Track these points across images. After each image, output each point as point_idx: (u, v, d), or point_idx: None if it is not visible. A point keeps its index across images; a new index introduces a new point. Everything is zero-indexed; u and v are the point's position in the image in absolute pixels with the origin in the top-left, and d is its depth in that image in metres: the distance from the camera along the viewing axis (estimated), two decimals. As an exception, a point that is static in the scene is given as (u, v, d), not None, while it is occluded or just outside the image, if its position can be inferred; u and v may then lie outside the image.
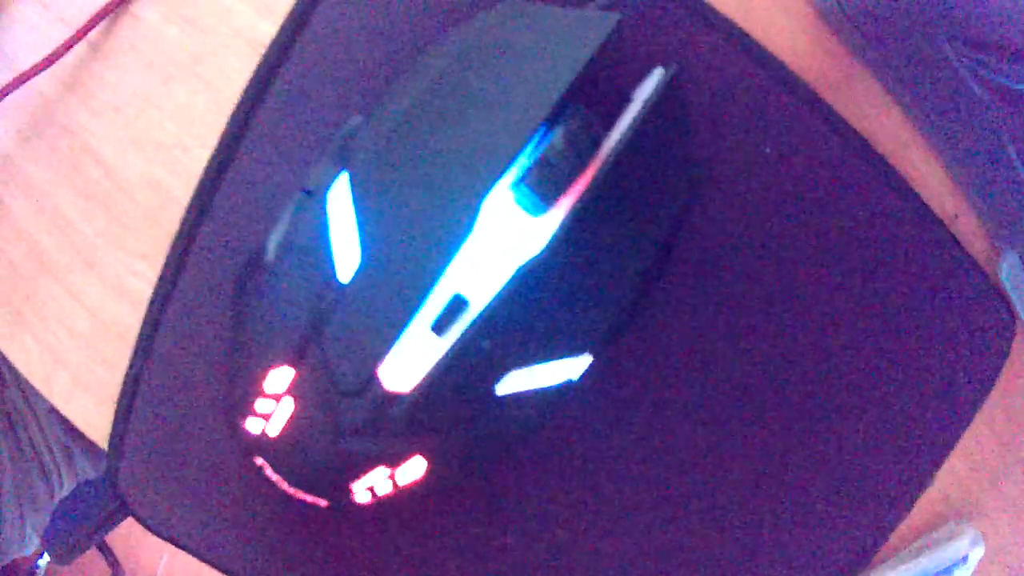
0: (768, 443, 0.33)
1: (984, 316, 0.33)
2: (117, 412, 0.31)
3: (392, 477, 0.26)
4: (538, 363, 0.25)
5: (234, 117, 0.29)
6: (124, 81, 0.31)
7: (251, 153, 0.29)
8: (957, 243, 0.32)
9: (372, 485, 0.26)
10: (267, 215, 0.28)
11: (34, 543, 0.48)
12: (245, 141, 0.29)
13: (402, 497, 0.27)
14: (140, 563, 0.68)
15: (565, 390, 0.26)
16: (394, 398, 0.24)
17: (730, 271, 0.31)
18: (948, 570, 0.34)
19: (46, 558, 0.58)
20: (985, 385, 0.33)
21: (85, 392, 0.32)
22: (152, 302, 0.30)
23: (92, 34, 0.30)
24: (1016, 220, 0.30)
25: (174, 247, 0.30)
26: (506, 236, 0.24)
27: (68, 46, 0.30)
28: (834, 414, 0.33)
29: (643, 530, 0.33)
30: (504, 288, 0.23)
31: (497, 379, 0.24)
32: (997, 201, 0.30)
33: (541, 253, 0.23)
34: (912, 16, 0.26)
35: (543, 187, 0.23)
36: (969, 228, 0.32)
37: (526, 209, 0.24)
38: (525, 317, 0.24)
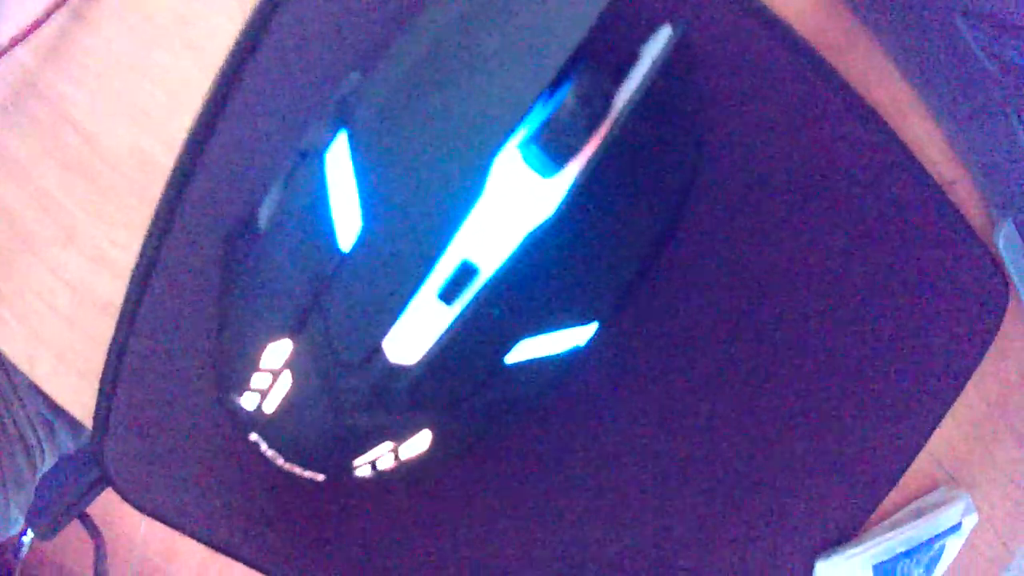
0: (765, 409, 0.32)
1: (979, 283, 0.32)
2: (101, 388, 0.29)
3: (395, 451, 0.24)
4: (549, 331, 0.23)
5: (220, 78, 0.26)
6: (106, 47, 0.28)
7: (238, 115, 0.27)
8: (954, 209, 0.31)
9: (374, 460, 0.24)
10: (256, 180, 0.26)
11: (19, 523, 0.45)
12: (232, 103, 0.26)
13: (404, 471, 0.25)
14: (120, 530, 0.65)
15: (572, 357, 0.25)
16: (399, 371, 0.22)
17: (735, 235, 0.29)
18: (941, 536, 0.33)
19: (30, 534, 0.56)
20: (978, 352, 0.32)
21: (68, 369, 0.30)
22: (135, 273, 0.28)
23: (73, 1, 0.27)
24: (1015, 190, 0.29)
25: (157, 215, 0.27)
26: (516, 198, 0.22)
27: (49, 12, 0.27)
28: (828, 378, 0.32)
29: (645, 497, 0.31)
30: (515, 254, 0.21)
31: (507, 349, 0.22)
32: (997, 170, 0.29)
33: (552, 216, 0.21)
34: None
35: (555, 147, 0.22)
36: (966, 195, 0.31)
37: (536, 170, 0.22)
38: (536, 284, 0.22)
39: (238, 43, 0.26)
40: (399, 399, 0.22)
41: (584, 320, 0.23)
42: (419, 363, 0.22)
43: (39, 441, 0.45)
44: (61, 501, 0.48)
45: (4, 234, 0.29)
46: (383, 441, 0.23)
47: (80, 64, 0.28)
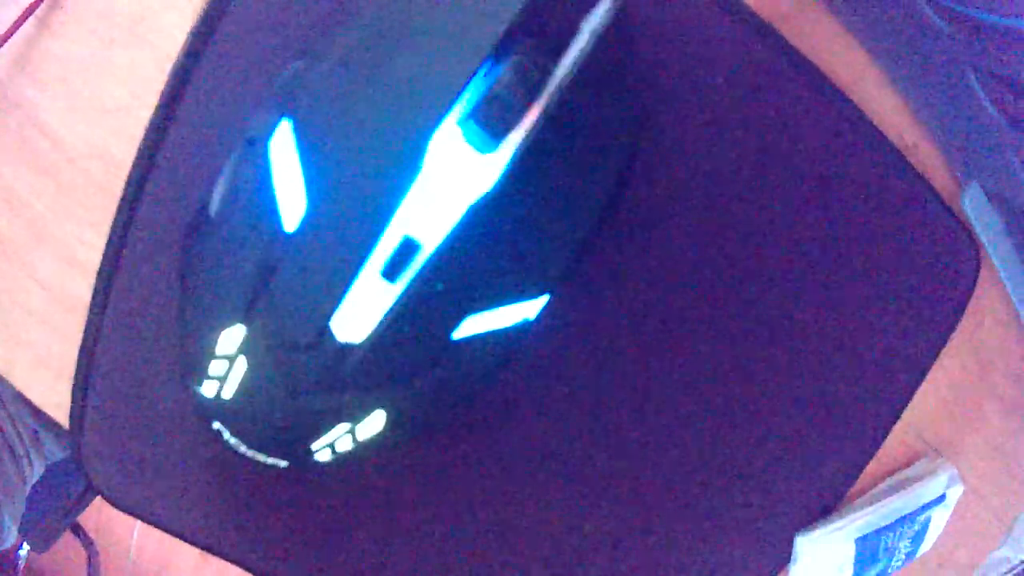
0: (737, 382, 0.31)
1: (948, 248, 0.31)
2: (74, 388, 0.29)
3: (351, 432, 0.24)
4: (496, 306, 0.23)
5: (173, 74, 0.27)
6: (69, 51, 0.29)
7: (192, 109, 0.27)
8: (917, 173, 0.30)
9: (332, 442, 0.24)
10: (212, 171, 0.26)
11: (13, 534, 0.45)
12: (186, 97, 0.26)
13: (364, 453, 0.25)
14: (113, 539, 0.66)
15: (522, 331, 0.25)
16: (348, 349, 0.22)
17: (684, 205, 0.29)
18: (925, 508, 0.32)
19: (26, 547, 0.56)
20: (952, 318, 0.32)
21: (46, 371, 0.30)
22: (100, 272, 0.28)
23: (39, 9, 0.28)
24: (979, 150, 0.28)
25: (118, 213, 0.27)
26: (455, 174, 0.22)
27: (19, 24, 0.28)
28: (801, 351, 0.31)
29: (616, 475, 0.31)
30: (456, 227, 0.21)
31: (454, 325, 0.22)
32: (959, 132, 0.29)
33: (492, 190, 0.21)
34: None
35: (492, 122, 0.21)
36: (930, 159, 0.31)
37: (474, 146, 0.22)
38: (479, 258, 0.22)
39: (189, 39, 0.27)
40: (350, 378, 0.22)
41: (530, 294, 0.23)
42: (366, 340, 0.22)
43: (26, 450, 0.45)
44: (53, 511, 0.48)
45: (-25, 238, 0.30)
46: (339, 422, 0.23)
47: (45, 69, 0.29)
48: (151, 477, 0.30)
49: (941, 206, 0.31)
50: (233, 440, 0.25)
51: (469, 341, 0.23)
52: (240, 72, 0.26)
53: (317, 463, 0.25)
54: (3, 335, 0.30)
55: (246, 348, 0.23)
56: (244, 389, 0.23)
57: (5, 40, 0.28)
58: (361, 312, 0.22)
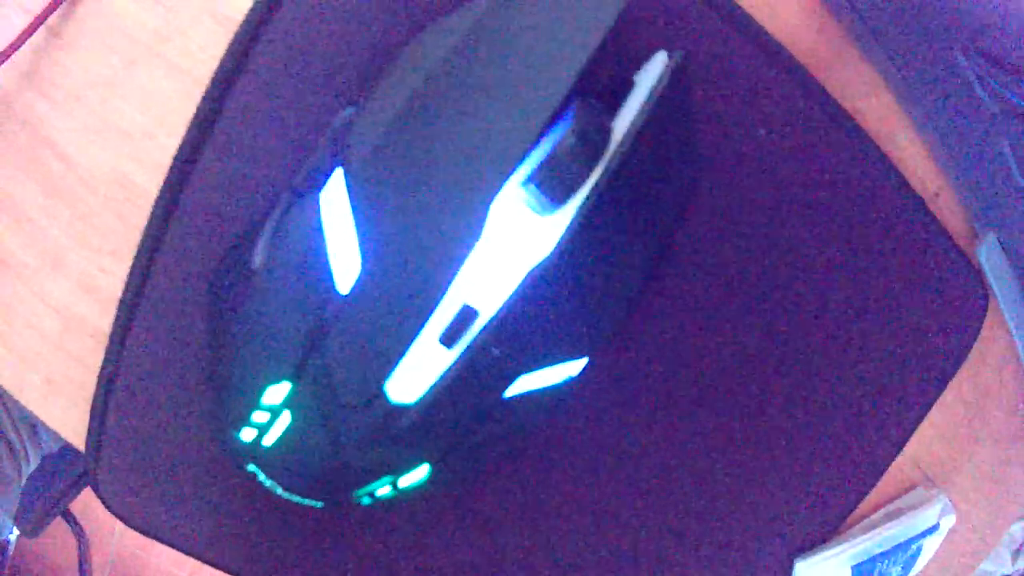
0: (747, 413, 0.31)
1: (959, 292, 0.31)
2: (92, 414, 0.28)
3: (394, 483, 0.23)
4: (547, 366, 0.22)
5: (204, 102, 0.25)
6: (85, 68, 0.26)
7: (223, 142, 0.25)
8: (936, 220, 0.30)
9: (373, 491, 0.23)
10: (243, 209, 0.24)
11: (8, 527, 0.44)
12: (217, 129, 0.25)
13: (402, 499, 0.24)
14: (98, 518, 0.64)
15: (567, 386, 0.24)
16: (400, 411, 0.21)
17: (718, 249, 0.28)
18: (918, 537, 0.33)
19: (16, 532, 0.54)
20: (957, 358, 0.32)
21: (58, 395, 0.29)
22: (123, 301, 0.26)
23: (51, 19, 0.26)
24: (1000, 207, 0.28)
25: (142, 244, 0.26)
26: (514, 238, 0.21)
27: (28, 34, 0.25)
28: (811, 384, 0.32)
29: (629, 502, 0.31)
30: (515, 294, 0.20)
31: (506, 386, 0.22)
32: (982, 188, 0.29)
33: (552, 255, 0.20)
34: (928, 19, 0.24)
35: (554, 185, 0.21)
36: (949, 207, 0.31)
37: (534, 208, 0.21)
38: (536, 322, 0.21)
39: (222, 66, 0.25)
40: (399, 437, 0.21)
41: (582, 353, 0.23)
42: (420, 403, 0.21)
43: (23, 443, 0.44)
44: (45, 499, 0.47)
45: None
46: (382, 476, 0.23)
47: (57, 84, 0.27)
48: (170, 503, 0.29)
49: (956, 252, 0.31)
50: (268, 483, 0.24)
51: (518, 399, 0.22)
52: (276, 106, 0.25)
53: (354, 506, 0.24)
54: (15, 357, 0.29)
55: (292, 403, 0.22)
56: (287, 440, 0.22)
57: (14, 50, 0.26)
58: (415, 375, 0.21)
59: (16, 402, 0.44)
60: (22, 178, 0.27)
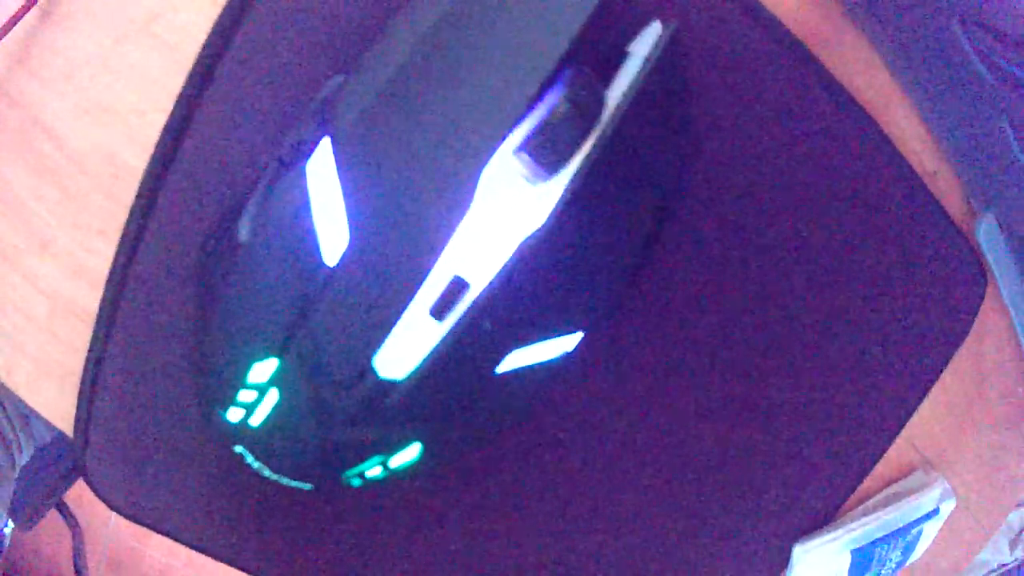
0: (745, 395, 0.31)
1: (957, 271, 0.31)
2: (80, 398, 0.27)
3: (384, 462, 0.23)
4: (540, 341, 0.22)
5: (191, 77, 0.24)
6: (75, 46, 0.26)
7: (211, 116, 0.24)
8: (934, 199, 0.30)
9: (363, 471, 0.23)
10: (232, 184, 0.24)
11: (2, 519, 0.43)
12: (204, 103, 0.24)
13: (393, 479, 0.24)
14: (92, 509, 0.63)
15: (561, 363, 0.23)
16: (389, 386, 0.20)
17: (715, 227, 0.28)
18: (918, 522, 0.32)
19: (10, 525, 0.54)
20: (956, 339, 0.32)
21: (48, 379, 0.28)
22: (109, 281, 0.26)
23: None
24: (999, 186, 0.28)
25: (129, 222, 0.25)
26: (505, 208, 0.20)
27: (21, 14, 0.25)
28: (808, 366, 0.31)
29: (627, 487, 0.30)
30: (507, 265, 0.20)
31: (498, 361, 0.21)
32: (981, 165, 0.28)
33: (545, 225, 0.20)
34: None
35: (547, 153, 0.20)
36: (947, 185, 0.30)
37: (526, 178, 0.21)
38: (529, 295, 0.21)
39: (209, 39, 0.24)
40: (389, 413, 0.21)
41: (576, 327, 0.22)
42: (409, 378, 0.20)
43: (16, 435, 0.43)
44: (39, 491, 0.46)
45: (-25, 243, 0.27)
46: (373, 455, 0.22)
47: (47, 63, 0.26)
48: (158, 487, 0.29)
49: (954, 231, 0.30)
50: (256, 464, 0.23)
51: (510, 375, 0.22)
52: (265, 80, 0.24)
53: (344, 487, 0.24)
54: (4, 342, 0.28)
55: (279, 380, 0.21)
56: (274, 419, 0.22)
57: (6, 32, 0.25)
58: (404, 349, 0.20)
59: (9, 393, 0.43)
60: (11, 159, 0.27)
